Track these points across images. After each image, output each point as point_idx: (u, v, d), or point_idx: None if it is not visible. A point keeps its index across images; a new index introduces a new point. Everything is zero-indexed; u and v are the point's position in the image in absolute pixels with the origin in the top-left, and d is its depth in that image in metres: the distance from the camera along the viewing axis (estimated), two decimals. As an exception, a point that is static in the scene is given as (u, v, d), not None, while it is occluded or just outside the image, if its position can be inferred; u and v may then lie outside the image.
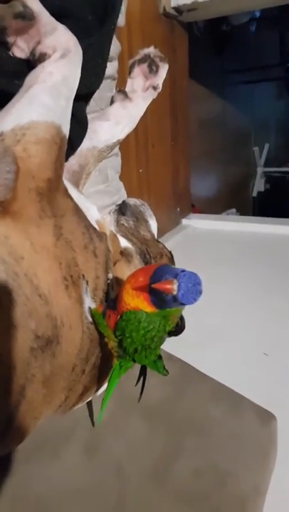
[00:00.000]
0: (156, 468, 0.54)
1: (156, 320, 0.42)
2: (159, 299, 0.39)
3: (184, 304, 0.39)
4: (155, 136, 1.80)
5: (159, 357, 0.46)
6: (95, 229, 0.47)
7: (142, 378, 0.49)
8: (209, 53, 2.73)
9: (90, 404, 0.58)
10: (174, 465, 0.54)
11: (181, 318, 0.58)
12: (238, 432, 0.62)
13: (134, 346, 0.43)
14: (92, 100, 0.56)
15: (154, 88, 0.62)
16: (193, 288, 0.37)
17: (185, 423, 0.61)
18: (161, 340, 0.45)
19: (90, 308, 0.45)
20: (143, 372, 0.49)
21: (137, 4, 1.48)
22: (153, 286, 0.38)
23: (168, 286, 0.37)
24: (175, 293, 0.37)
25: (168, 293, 0.37)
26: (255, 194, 3.93)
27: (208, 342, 1.19)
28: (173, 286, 0.37)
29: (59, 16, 0.41)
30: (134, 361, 0.45)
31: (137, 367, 0.49)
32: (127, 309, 0.42)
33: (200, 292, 0.38)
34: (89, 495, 0.50)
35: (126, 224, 0.63)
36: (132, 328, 0.42)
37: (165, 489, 0.52)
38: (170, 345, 0.58)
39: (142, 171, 1.75)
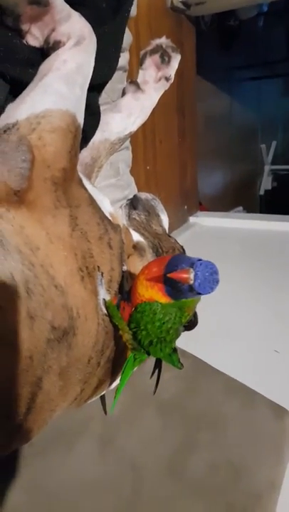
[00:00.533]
0: (170, 462, 0.53)
1: (172, 311, 0.42)
2: (175, 288, 0.38)
3: (200, 294, 0.38)
4: (162, 132, 1.79)
5: (174, 350, 0.46)
6: (109, 220, 0.47)
7: (157, 371, 0.48)
8: (216, 49, 2.71)
9: (103, 398, 0.57)
10: (188, 459, 0.54)
11: (194, 313, 0.57)
12: (253, 427, 0.61)
13: (150, 339, 0.43)
14: (103, 92, 0.55)
15: (167, 79, 0.61)
16: (210, 277, 0.37)
17: (199, 418, 0.60)
18: (177, 333, 0.44)
19: (104, 300, 0.44)
20: (158, 364, 0.48)
21: (145, -2, 1.47)
22: (169, 275, 0.37)
23: (184, 276, 0.36)
24: (192, 282, 0.36)
25: (184, 282, 0.36)
26: (262, 192, 3.90)
27: (218, 339, 1.19)
28: (189, 276, 0.36)
29: (73, 3, 0.41)
30: (148, 354, 0.45)
31: (151, 361, 0.48)
32: (141, 301, 0.42)
33: (217, 281, 0.37)
34: (104, 488, 0.50)
35: (138, 218, 0.63)
36: (148, 319, 0.41)
37: (180, 483, 0.51)
38: (181, 341, 0.58)
39: (150, 168, 1.75)
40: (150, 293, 0.41)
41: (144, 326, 0.42)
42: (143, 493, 0.51)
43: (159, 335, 0.42)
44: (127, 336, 0.44)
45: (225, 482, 0.53)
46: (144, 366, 0.51)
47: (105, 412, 0.56)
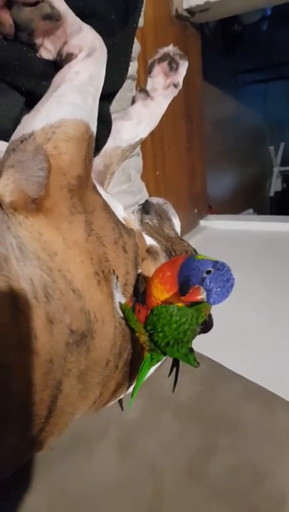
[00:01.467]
0: (191, 465, 0.53)
1: (189, 313, 0.42)
2: None
3: None
4: (171, 138, 1.81)
5: (191, 350, 0.46)
6: (123, 225, 0.48)
7: (174, 370, 0.48)
8: (221, 54, 2.73)
9: (120, 402, 0.58)
10: (209, 462, 0.54)
11: (209, 316, 0.57)
12: (273, 430, 0.60)
13: (167, 340, 0.43)
14: (114, 101, 0.56)
15: (175, 86, 0.62)
16: (224, 289, 0.37)
17: (218, 421, 0.60)
18: (194, 333, 0.45)
19: (120, 303, 0.45)
20: (175, 363, 0.48)
21: (150, 7, 1.49)
22: (183, 299, 0.37)
23: (197, 297, 0.36)
24: (205, 300, 0.37)
25: (198, 301, 0.37)
26: (272, 194, 3.88)
27: (234, 341, 1.18)
28: (202, 296, 0.36)
29: (83, 15, 0.42)
30: (165, 354, 0.45)
31: (169, 364, 0.48)
32: (157, 304, 0.42)
33: (232, 285, 0.38)
34: (124, 492, 0.50)
35: (150, 222, 0.63)
36: (164, 322, 0.42)
37: (202, 486, 0.51)
38: (197, 344, 0.58)
39: (159, 173, 1.76)
40: (165, 296, 0.41)
41: (161, 328, 0.42)
42: (164, 497, 0.51)
43: (176, 336, 0.43)
44: (143, 338, 0.44)
45: (247, 486, 0.53)
46: (162, 370, 0.52)
47: (122, 408, 0.57)
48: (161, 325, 0.42)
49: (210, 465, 0.54)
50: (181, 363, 0.47)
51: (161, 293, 0.42)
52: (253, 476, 0.54)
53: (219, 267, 0.38)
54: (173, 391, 0.46)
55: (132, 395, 0.47)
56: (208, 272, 0.37)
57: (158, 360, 0.45)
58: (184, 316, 0.42)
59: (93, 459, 0.53)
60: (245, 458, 0.56)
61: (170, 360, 0.47)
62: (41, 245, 0.38)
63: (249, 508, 0.51)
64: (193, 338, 0.45)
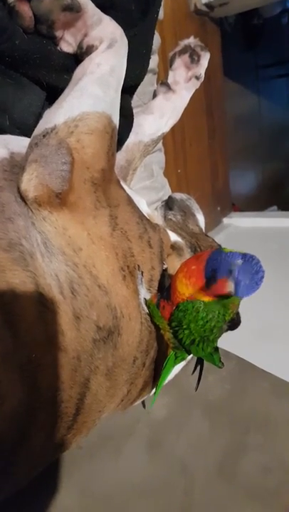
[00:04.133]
0: (221, 464, 0.52)
1: (215, 309, 0.40)
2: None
3: None
4: (192, 135, 1.79)
5: (216, 349, 0.44)
6: (148, 220, 0.47)
7: (199, 368, 0.47)
8: (241, 49, 2.69)
9: (143, 401, 0.57)
10: (239, 461, 0.52)
11: (237, 313, 0.55)
12: (305, 428, 0.58)
13: (192, 338, 0.42)
14: (135, 95, 0.56)
15: (197, 78, 0.61)
16: (253, 281, 0.35)
17: (247, 419, 0.58)
18: (221, 331, 0.43)
19: (145, 299, 0.44)
20: (200, 362, 0.47)
21: (168, 3, 1.48)
22: (210, 292, 0.36)
23: (226, 290, 0.35)
24: (234, 293, 0.35)
25: (226, 294, 0.36)
26: (296, 190, 3.79)
27: (262, 339, 1.16)
28: (231, 289, 0.35)
29: (103, 7, 0.41)
30: (189, 353, 0.44)
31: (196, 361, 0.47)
32: (182, 299, 0.41)
33: (262, 277, 0.36)
34: (153, 491, 0.50)
35: (174, 218, 0.62)
36: (190, 318, 0.40)
37: (233, 486, 0.50)
38: (225, 342, 0.56)
39: (181, 171, 1.74)
40: (191, 291, 0.40)
41: (187, 325, 0.41)
42: (194, 497, 0.49)
43: (202, 334, 0.41)
44: (168, 335, 0.43)
45: (281, 484, 0.51)
46: (189, 368, 0.50)
47: (144, 407, 0.56)
48: (187, 321, 0.41)
49: (240, 464, 0.53)
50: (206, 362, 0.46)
51: (186, 287, 0.40)
52: (284, 476, 0.52)
53: (248, 258, 0.36)
54: (196, 390, 0.45)
55: (155, 392, 0.46)
56: (237, 264, 0.36)
57: (182, 359, 0.44)
58: (210, 312, 0.40)
59: (121, 457, 0.53)
60: (276, 457, 0.55)
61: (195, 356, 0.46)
62: (66, 240, 0.37)
63: (281, 508, 0.49)
64: (220, 336, 0.43)
